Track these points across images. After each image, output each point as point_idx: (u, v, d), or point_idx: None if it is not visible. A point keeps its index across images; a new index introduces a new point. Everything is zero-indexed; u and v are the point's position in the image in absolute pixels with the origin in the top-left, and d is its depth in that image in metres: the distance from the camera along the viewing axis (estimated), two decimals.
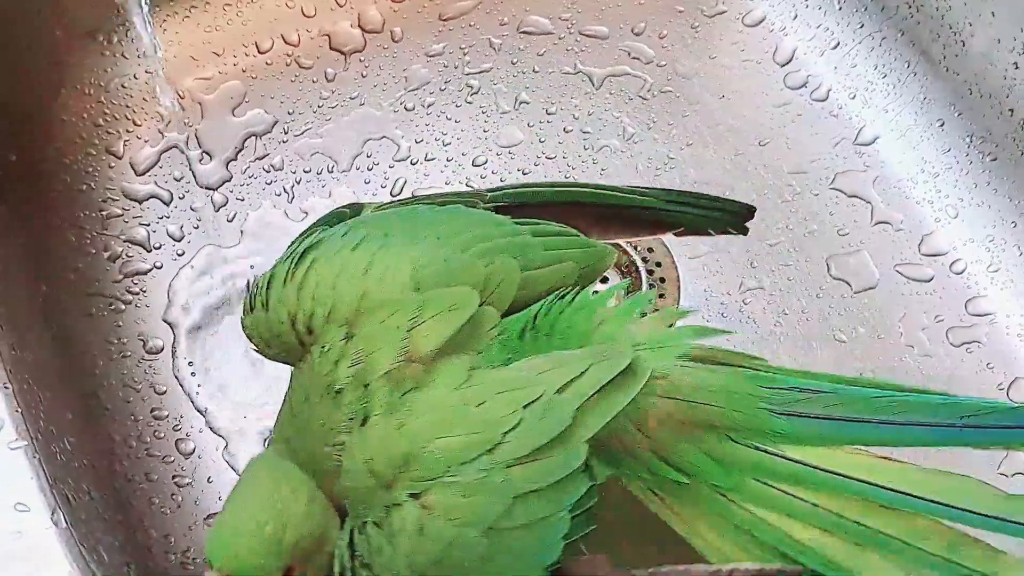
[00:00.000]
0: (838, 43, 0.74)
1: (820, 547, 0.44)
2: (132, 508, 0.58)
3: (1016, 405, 0.44)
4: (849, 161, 0.71)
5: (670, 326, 0.48)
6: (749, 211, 0.58)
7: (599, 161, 0.72)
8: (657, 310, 0.52)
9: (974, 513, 0.43)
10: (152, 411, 0.63)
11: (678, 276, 0.67)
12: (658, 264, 0.68)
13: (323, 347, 0.46)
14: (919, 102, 0.71)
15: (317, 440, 0.46)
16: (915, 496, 0.43)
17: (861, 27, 0.73)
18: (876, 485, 0.43)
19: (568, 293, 0.48)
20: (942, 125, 0.70)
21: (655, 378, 0.45)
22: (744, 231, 0.57)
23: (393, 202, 0.54)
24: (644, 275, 0.67)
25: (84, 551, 0.44)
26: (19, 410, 0.47)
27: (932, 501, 0.43)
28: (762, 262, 0.68)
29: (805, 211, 0.70)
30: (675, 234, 0.56)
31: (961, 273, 0.67)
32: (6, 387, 0.47)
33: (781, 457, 0.44)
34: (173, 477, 0.61)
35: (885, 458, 0.44)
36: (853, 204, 0.70)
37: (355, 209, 0.53)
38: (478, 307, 0.46)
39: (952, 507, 0.43)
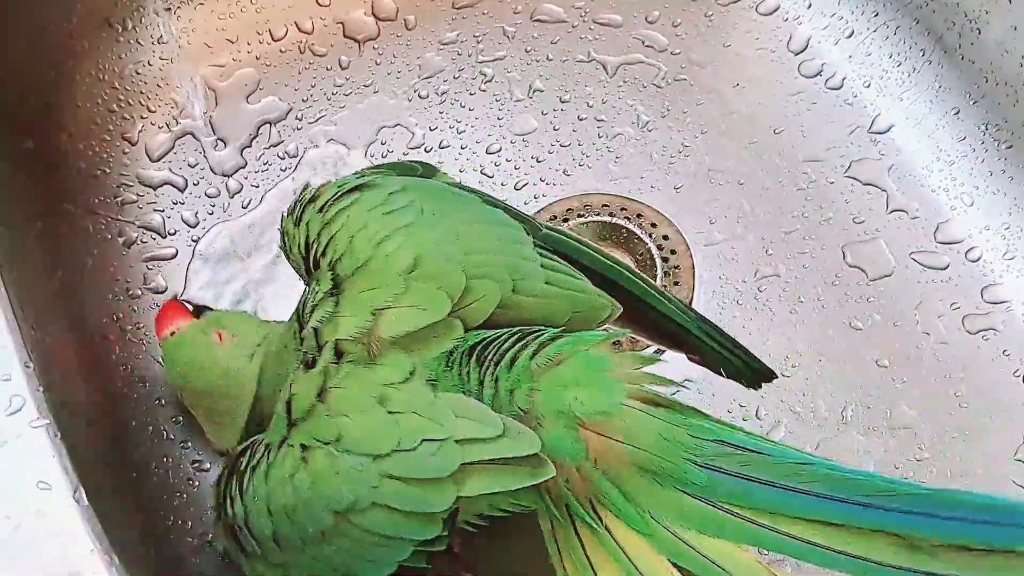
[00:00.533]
0: (852, 31, 0.74)
1: None
2: (149, 491, 0.58)
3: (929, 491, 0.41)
4: (864, 149, 0.71)
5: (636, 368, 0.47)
6: (769, 375, 0.56)
7: (613, 149, 0.72)
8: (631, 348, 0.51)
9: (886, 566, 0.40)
10: (168, 394, 0.63)
11: (693, 264, 0.67)
12: (673, 252, 0.68)
13: (314, 288, 0.50)
14: (934, 90, 0.71)
15: (277, 359, 0.52)
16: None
17: (876, 16, 0.73)
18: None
19: (539, 333, 0.47)
20: (957, 113, 0.70)
21: (599, 415, 0.45)
22: (755, 387, 0.56)
23: (462, 185, 0.55)
24: (659, 263, 0.67)
25: (106, 530, 0.44)
26: (40, 389, 0.46)
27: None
28: (778, 250, 0.68)
29: (820, 199, 0.70)
30: (689, 358, 0.55)
31: (977, 261, 0.67)
32: (27, 365, 0.47)
33: (701, 500, 0.43)
34: (193, 463, 0.61)
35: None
36: (868, 192, 0.70)
37: (427, 170, 0.55)
38: (446, 316, 0.47)
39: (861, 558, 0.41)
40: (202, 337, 0.56)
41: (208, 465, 0.61)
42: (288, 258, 0.54)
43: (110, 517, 0.45)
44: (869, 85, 0.73)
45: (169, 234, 0.69)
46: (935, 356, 0.64)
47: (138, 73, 0.73)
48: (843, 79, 0.74)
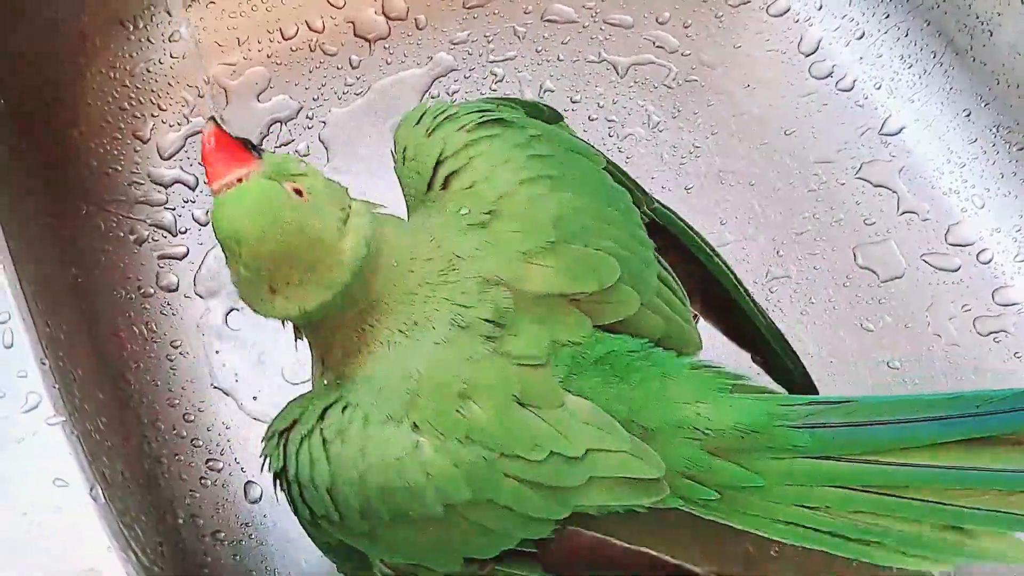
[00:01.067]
0: (863, 33, 0.74)
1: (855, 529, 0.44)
2: (162, 489, 0.58)
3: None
4: (875, 151, 0.71)
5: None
6: (811, 391, 0.56)
7: (624, 149, 0.72)
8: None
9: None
10: (181, 393, 0.63)
11: None
12: None
13: (461, 209, 0.45)
14: (945, 92, 0.71)
15: (403, 264, 0.44)
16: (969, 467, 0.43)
17: (887, 17, 0.73)
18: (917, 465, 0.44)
19: (660, 351, 0.47)
20: (968, 115, 0.70)
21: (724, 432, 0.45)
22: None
23: (585, 143, 0.52)
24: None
25: (123, 527, 0.44)
26: (56, 386, 0.47)
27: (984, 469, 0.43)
28: (788, 251, 0.68)
29: (831, 200, 0.70)
30: (753, 359, 0.56)
31: (988, 263, 0.67)
32: (43, 363, 0.47)
33: (814, 458, 0.44)
34: (207, 461, 0.61)
35: None
36: (879, 194, 0.70)
37: (552, 115, 0.52)
38: (590, 292, 0.45)
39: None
40: (276, 190, 0.42)
41: (221, 465, 0.61)
42: (398, 166, 0.49)
43: (127, 514, 0.45)
44: (880, 87, 0.73)
45: (180, 232, 0.69)
46: (946, 358, 0.64)
47: (149, 71, 0.73)
48: (854, 81, 0.74)
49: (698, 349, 0.50)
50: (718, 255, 0.53)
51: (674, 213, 0.54)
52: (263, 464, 0.47)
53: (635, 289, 0.46)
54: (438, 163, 0.47)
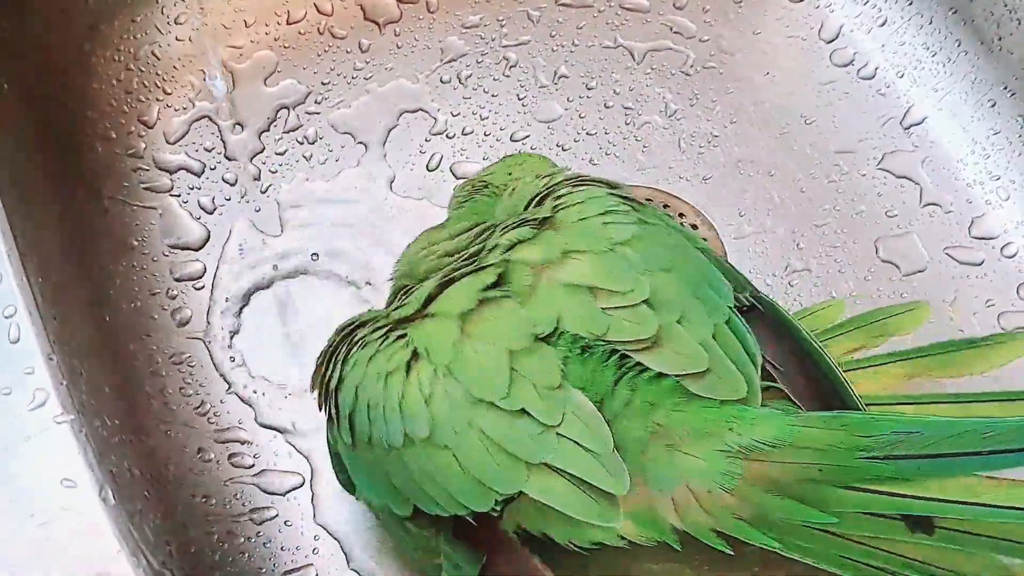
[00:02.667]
0: (886, 20, 0.73)
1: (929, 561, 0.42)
2: (172, 487, 0.57)
3: None
4: (897, 141, 0.70)
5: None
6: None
7: (641, 138, 0.71)
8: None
9: None
10: (192, 387, 0.61)
11: (725, 255, 0.65)
12: (704, 240, 0.66)
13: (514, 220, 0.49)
14: (969, 81, 0.69)
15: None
16: None
17: (910, 4, 0.72)
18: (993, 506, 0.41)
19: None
20: (993, 105, 0.68)
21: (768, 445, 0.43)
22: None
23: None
24: None
25: (132, 528, 0.43)
26: (64, 382, 0.45)
27: None
28: (809, 243, 0.67)
29: (852, 192, 0.68)
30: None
31: (1013, 257, 0.66)
32: (51, 358, 0.45)
33: (884, 494, 0.42)
34: (218, 460, 0.60)
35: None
36: (902, 185, 0.68)
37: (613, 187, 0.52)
38: (631, 295, 0.46)
39: None
40: None
41: (233, 463, 0.59)
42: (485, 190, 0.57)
43: (136, 515, 0.44)
44: (902, 75, 0.71)
45: (193, 219, 0.68)
46: None
47: (155, 55, 0.71)
48: (876, 68, 0.72)
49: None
50: (823, 349, 0.50)
51: (777, 306, 0.51)
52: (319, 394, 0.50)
53: (676, 317, 0.45)
54: (535, 199, 0.50)
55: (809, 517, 0.42)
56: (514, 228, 0.48)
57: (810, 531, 0.42)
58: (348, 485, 0.50)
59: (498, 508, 0.44)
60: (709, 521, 0.42)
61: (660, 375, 0.44)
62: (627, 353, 0.44)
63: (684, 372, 0.44)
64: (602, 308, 0.45)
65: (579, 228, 0.48)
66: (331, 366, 0.48)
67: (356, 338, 0.48)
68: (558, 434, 0.42)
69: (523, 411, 0.43)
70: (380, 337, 0.47)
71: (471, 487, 0.43)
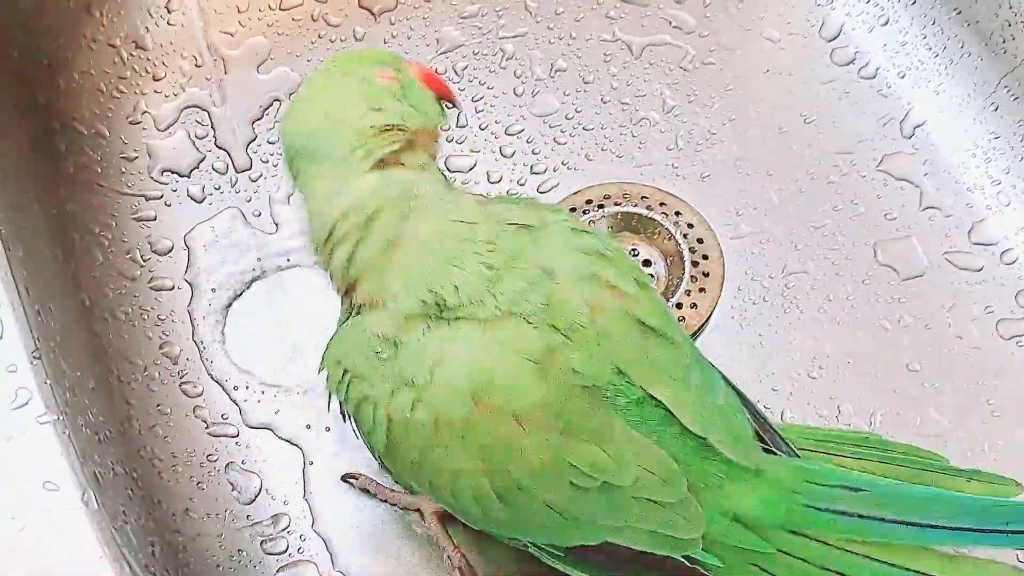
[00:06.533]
0: (888, 19, 0.72)
1: None
2: (155, 486, 0.56)
3: None
4: (897, 143, 0.69)
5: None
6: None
7: (638, 134, 0.70)
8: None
9: None
10: (177, 385, 0.60)
11: (723, 273, 0.64)
12: (705, 257, 0.65)
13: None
14: (972, 84, 0.68)
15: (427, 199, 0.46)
16: None
17: (913, 3, 0.71)
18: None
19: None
20: (996, 109, 0.67)
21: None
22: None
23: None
24: (688, 266, 0.65)
25: (115, 533, 0.42)
26: (48, 382, 0.44)
27: None
28: (806, 245, 0.66)
29: (852, 193, 0.67)
30: None
31: (1012, 264, 0.65)
32: (35, 358, 0.44)
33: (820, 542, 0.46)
34: (203, 458, 0.59)
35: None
36: (901, 188, 0.67)
37: None
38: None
39: None
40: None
41: (215, 460, 0.58)
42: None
43: (118, 518, 0.43)
44: (904, 76, 0.70)
45: (176, 208, 0.67)
46: (967, 361, 0.62)
47: (146, 40, 0.70)
48: (877, 68, 0.71)
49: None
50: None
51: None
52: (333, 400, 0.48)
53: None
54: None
55: (752, 544, 0.45)
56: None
57: (747, 556, 0.45)
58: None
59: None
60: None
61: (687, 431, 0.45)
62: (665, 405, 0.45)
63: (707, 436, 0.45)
64: (653, 359, 0.45)
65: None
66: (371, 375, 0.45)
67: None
68: (633, 497, 0.43)
69: (603, 485, 0.43)
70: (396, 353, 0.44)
71: (566, 535, 0.45)
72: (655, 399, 0.44)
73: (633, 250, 0.65)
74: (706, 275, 0.64)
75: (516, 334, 0.42)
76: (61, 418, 0.43)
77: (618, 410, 0.44)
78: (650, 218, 0.66)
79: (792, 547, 0.45)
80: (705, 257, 0.65)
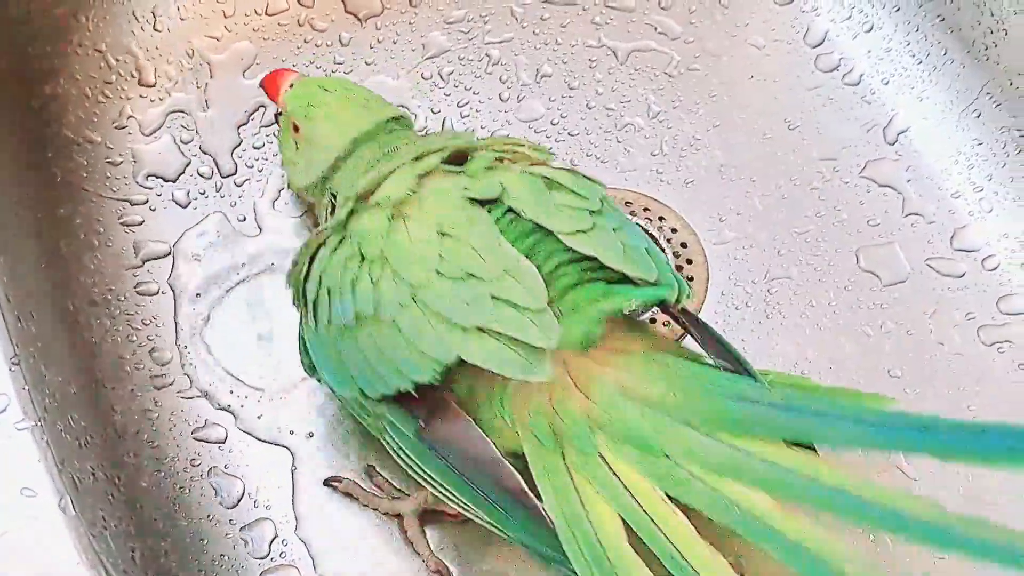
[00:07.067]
0: (872, 26, 0.72)
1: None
2: (137, 488, 0.56)
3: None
4: (881, 149, 0.69)
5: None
6: None
7: (623, 140, 0.70)
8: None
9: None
10: (160, 391, 0.60)
11: (708, 277, 0.65)
12: (689, 261, 0.65)
13: None
14: (955, 91, 0.69)
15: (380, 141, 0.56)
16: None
17: (897, 10, 0.71)
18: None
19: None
20: (978, 115, 0.68)
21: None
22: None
23: None
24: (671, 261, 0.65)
25: (93, 540, 0.42)
26: (26, 388, 0.44)
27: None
28: (789, 251, 0.66)
29: (835, 199, 0.68)
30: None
31: (994, 270, 0.65)
32: (14, 364, 0.44)
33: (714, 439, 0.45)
34: (186, 464, 0.59)
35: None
36: (884, 194, 0.68)
37: None
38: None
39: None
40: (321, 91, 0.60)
41: (199, 465, 0.58)
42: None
43: (96, 524, 0.43)
44: (888, 82, 0.71)
45: (160, 212, 0.67)
46: (949, 367, 0.62)
47: (132, 45, 0.70)
48: (861, 75, 0.71)
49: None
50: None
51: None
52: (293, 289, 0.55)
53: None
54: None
55: (640, 445, 0.45)
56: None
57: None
58: (310, 369, 0.54)
59: (440, 378, 0.46)
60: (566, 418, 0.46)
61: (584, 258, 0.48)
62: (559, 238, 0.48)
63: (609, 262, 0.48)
64: (555, 203, 0.49)
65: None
66: (303, 262, 0.52)
67: (324, 237, 0.52)
68: (492, 296, 0.45)
69: (465, 276, 0.46)
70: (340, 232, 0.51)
71: (414, 357, 0.46)
72: (544, 229, 0.48)
73: None
74: (690, 279, 0.65)
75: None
76: (39, 424, 0.43)
77: (503, 229, 0.48)
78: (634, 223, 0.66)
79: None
80: (689, 262, 0.65)
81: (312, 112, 0.58)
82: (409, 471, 0.50)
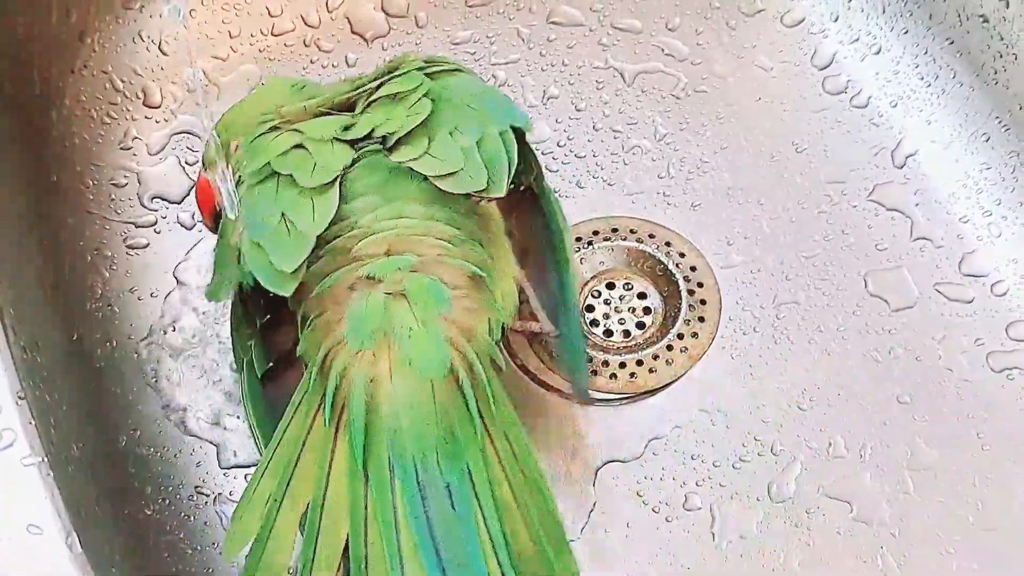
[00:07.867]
0: (880, 48, 0.72)
1: None
2: (142, 517, 0.56)
3: None
4: (888, 172, 0.69)
5: None
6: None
7: (630, 162, 0.70)
8: None
9: None
10: (161, 417, 0.60)
11: (720, 299, 0.65)
12: (700, 285, 0.65)
13: None
14: (964, 114, 0.68)
15: None
16: None
17: (905, 33, 0.71)
18: None
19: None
20: (987, 139, 0.67)
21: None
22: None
23: None
24: (684, 295, 0.65)
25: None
26: (32, 422, 0.44)
27: None
28: (797, 275, 0.66)
29: (843, 223, 0.67)
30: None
31: (1003, 295, 0.65)
32: (20, 399, 0.44)
33: None
34: (193, 491, 0.58)
35: None
36: (892, 218, 0.67)
37: None
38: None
39: None
40: None
41: (206, 500, 0.58)
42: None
43: (103, 562, 0.43)
44: (896, 105, 0.70)
45: (165, 235, 0.67)
46: (958, 394, 0.62)
47: (137, 65, 0.70)
48: (869, 97, 0.71)
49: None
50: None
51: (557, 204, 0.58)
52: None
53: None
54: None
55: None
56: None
57: None
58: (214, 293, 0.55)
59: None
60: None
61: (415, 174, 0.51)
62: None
63: (435, 173, 0.51)
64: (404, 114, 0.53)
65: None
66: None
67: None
68: (282, 213, 0.49)
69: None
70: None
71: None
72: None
73: (627, 283, 0.65)
74: (703, 303, 0.64)
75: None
76: (45, 459, 0.43)
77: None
78: (641, 250, 0.66)
79: None
80: (700, 285, 0.65)
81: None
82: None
